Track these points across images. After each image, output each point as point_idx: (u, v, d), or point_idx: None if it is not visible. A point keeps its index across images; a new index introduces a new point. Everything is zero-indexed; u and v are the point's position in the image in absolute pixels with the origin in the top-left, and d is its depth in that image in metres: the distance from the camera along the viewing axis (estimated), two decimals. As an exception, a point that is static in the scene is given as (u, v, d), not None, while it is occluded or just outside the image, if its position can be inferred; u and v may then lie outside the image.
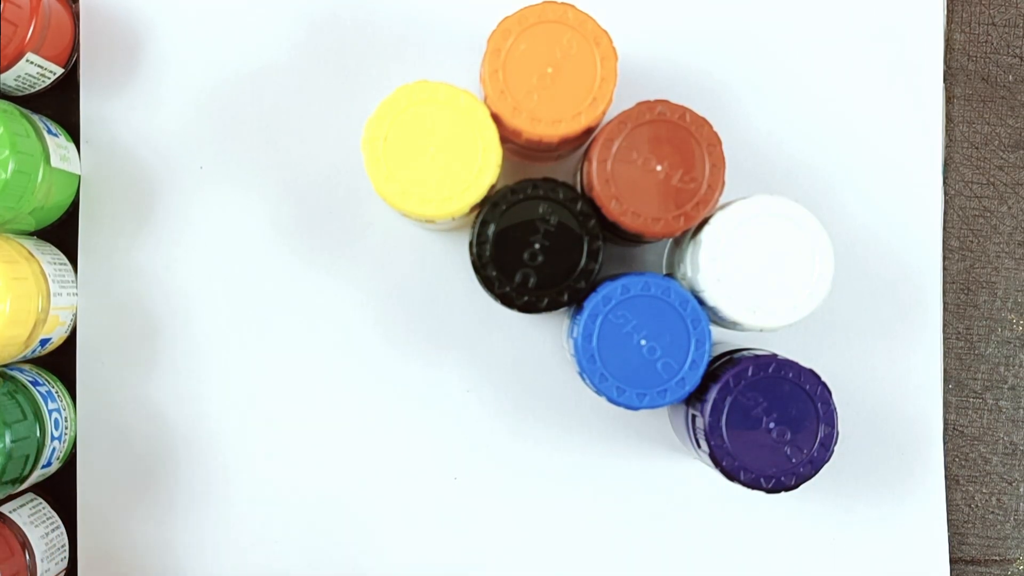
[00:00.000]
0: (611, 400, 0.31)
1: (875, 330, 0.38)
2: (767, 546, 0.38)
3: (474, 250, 0.32)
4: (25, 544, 0.34)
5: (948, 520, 0.38)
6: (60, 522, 0.37)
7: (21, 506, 0.35)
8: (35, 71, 0.36)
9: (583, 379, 0.32)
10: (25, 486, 0.35)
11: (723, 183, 0.31)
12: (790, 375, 0.31)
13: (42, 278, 0.35)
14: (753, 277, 0.31)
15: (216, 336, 0.38)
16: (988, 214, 0.39)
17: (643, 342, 0.31)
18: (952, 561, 0.38)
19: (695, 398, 0.32)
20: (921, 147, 0.38)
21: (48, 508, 0.37)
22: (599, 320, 0.31)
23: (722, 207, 0.32)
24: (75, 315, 0.38)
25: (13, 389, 0.34)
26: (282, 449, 0.38)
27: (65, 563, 0.37)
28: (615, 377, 0.31)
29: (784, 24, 0.38)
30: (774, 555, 0.38)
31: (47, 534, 0.36)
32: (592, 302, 0.31)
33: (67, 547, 0.37)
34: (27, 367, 0.37)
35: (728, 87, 0.38)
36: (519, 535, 0.38)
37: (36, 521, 0.35)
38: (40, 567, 0.34)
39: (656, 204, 0.31)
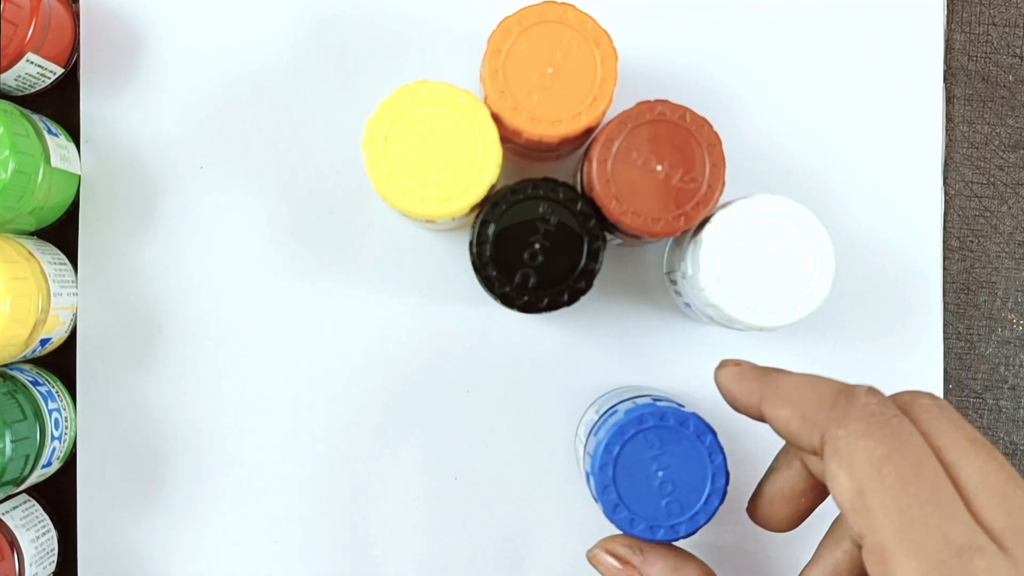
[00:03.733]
0: (623, 530, 0.30)
1: (875, 330, 0.38)
2: (772, 546, 0.38)
3: (474, 250, 0.32)
4: (14, 546, 0.34)
5: (948, 520, 0.38)
6: (51, 525, 0.37)
7: (14, 508, 0.35)
8: (35, 71, 0.36)
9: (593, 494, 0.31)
10: (25, 486, 0.35)
11: (723, 183, 0.31)
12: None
13: (42, 278, 0.35)
14: (754, 276, 0.31)
15: (216, 336, 0.38)
16: (988, 214, 0.39)
17: (660, 473, 0.30)
18: (952, 561, 0.38)
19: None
20: (921, 147, 0.38)
21: (40, 511, 0.37)
22: (616, 450, 0.30)
23: (723, 206, 0.32)
24: (75, 315, 0.38)
25: (13, 389, 0.34)
26: (281, 449, 0.38)
27: (53, 567, 0.37)
28: (629, 507, 0.30)
29: (784, 24, 0.38)
30: (778, 550, 0.38)
31: (37, 537, 0.35)
32: (612, 431, 0.30)
33: (56, 551, 0.37)
34: (27, 367, 0.37)
35: (728, 87, 0.38)
36: (519, 535, 0.38)
37: (28, 524, 0.35)
38: (28, 571, 0.34)
39: (656, 204, 0.31)
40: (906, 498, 0.23)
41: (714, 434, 0.30)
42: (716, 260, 0.31)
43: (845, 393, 0.26)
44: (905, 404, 0.26)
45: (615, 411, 0.32)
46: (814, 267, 0.31)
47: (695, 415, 0.30)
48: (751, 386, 0.28)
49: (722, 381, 0.29)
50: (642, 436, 0.30)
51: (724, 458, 0.30)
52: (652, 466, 0.30)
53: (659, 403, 0.31)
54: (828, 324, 0.38)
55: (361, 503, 0.38)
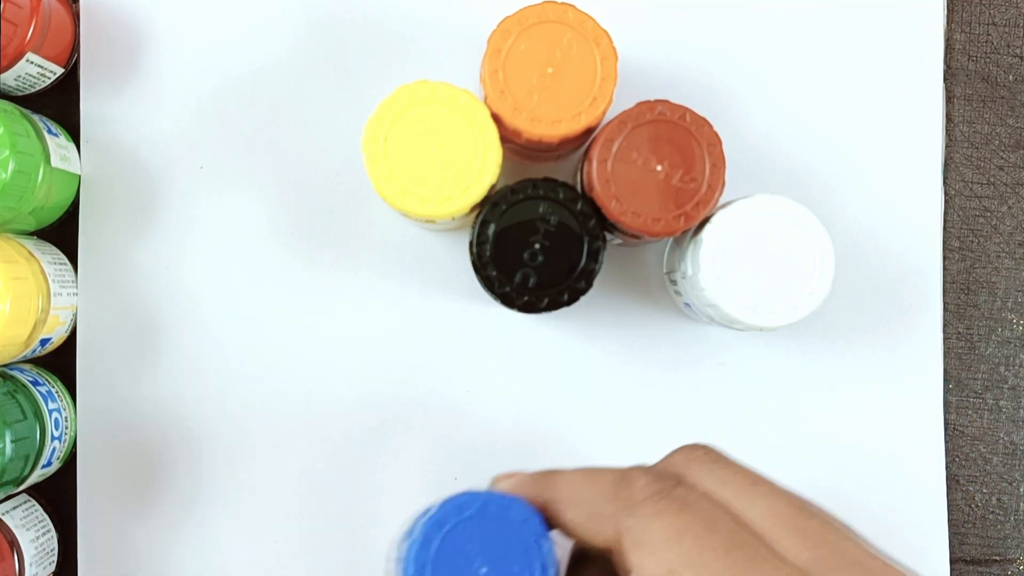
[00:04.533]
0: None
1: (875, 330, 0.38)
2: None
3: (474, 250, 0.32)
4: (14, 546, 0.34)
5: (948, 520, 0.38)
6: (51, 525, 0.37)
7: (14, 508, 0.35)
8: (35, 71, 0.36)
9: None
10: (25, 486, 0.35)
11: (723, 183, 0.31)
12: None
13: (42, 278, 0.35)
14: (754, 276, 0.31)
15: (216, 336, 0.38)
16: (988, 214, 0.39)
17: (484, 570, 0.26)
18: (952, 561, 0.38)
19: None
20: (921, 147, 0.38)
21: (41, 511, 0.36)
22: (434, 546, 0.27)
23: (723, 206, 0.32)
24: (75, 315, 0.38)
25: (13, 389, 0.34)
26: (281, 448, 0.38)
27: (53, 566, 0.37)
28: None
29: (784, 24, 0.38)
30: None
31: (37, 537, 0.35)
32: (427, 525, 0.27)
33: (56, 551, 0.37)
34: (27, 367, 0.37)
35: (728, 87, 0.38)
36: (519, 535, 0.38)
37: (28, 524, 0.35)
38: (28, 571, 0.34)
39: (656, 204, 0.31)
40: (716, 562, 0.23)
41: (540, 517, 0.27)
42: (716, 260, 0.31)
43: (622, 480, 0.25)
44: (680, 465, 0.26)
45: (427, 511, 0.28)
46: (814, 267, 0.31)
47: (519, 499, 0.27)
48: (531, 493, 0.27)
49: (501, 489, 0.28)
50: (462, 527, 0.27)
51: (551, 545, 0.27)
52: (474, 563, 0.26)
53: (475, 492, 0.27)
54: (828, 324, 0.38)
55: (361, 503, 0.38)
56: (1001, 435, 0.39)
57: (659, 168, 0.31)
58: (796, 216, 0.31)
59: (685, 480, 0.25)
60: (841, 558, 0.23)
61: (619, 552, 0.25)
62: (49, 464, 0.36)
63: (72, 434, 0.37)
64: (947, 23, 0.39)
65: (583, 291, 0.32)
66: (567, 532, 0.27)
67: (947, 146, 0.39)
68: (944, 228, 0.39)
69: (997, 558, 0.39)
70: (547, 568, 0.26)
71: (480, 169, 0.31)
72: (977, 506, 0.39)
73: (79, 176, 0.38)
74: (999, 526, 0.39)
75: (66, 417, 0.37)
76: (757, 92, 0.38)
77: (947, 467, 0.38)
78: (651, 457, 0.38)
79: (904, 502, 0.38)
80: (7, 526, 0.34)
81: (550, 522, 0.27)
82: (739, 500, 0.24)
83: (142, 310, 0.38)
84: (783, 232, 0.31)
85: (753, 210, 0.31)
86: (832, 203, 0.38)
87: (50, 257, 0.36)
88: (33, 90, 0.37)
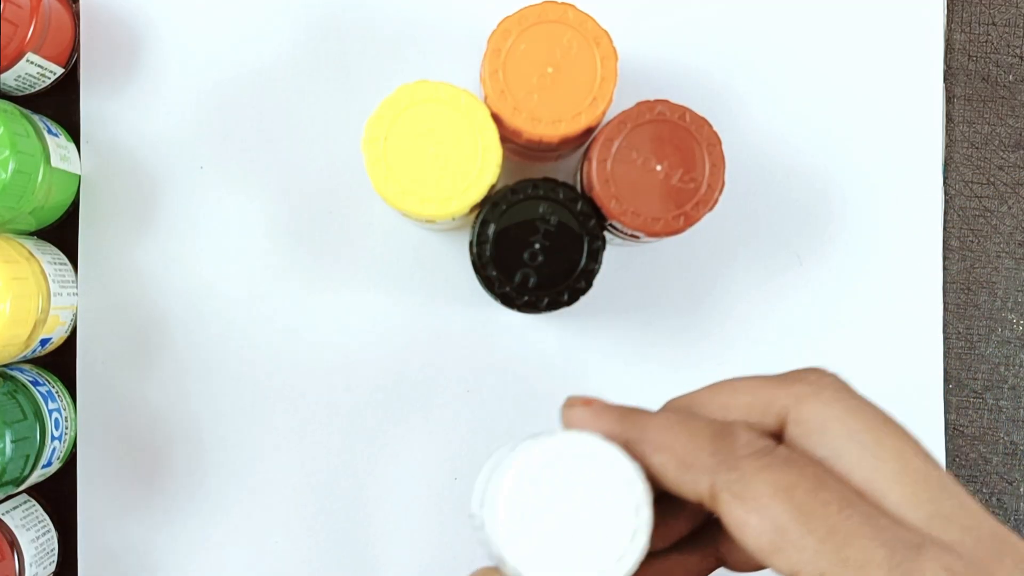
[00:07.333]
0: None
1: (875, 330, 0.38)
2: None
3: (474, 250, 0.32)
4: (14, 546, 0.34)
5: (948, 520, 0.38)
6: (51, 525, 0.37)
7: (14, 508, 0.35)
8: (35, 71, 0.36)
9: None
10: (25, 486, 0.35)
11: (723, 183, 0.31)
12: None
13: (42, 278, 0.35)
14: (555, 530, 0.24)
15: (216, 336, 0.38)
16: (988, 214, 0.39)
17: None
18: (952, 561, 0.38)
19: None
20: (921, 147, 0.38)
21: (40, 511, 0.36)
22: None
23: (532, 438, 0.25)
24: (75, 315, 0.38)
25: (13, 389, 0.34)
26: (281, 449, 0.38)
27: (53, 567, 0.37)
28: None
29: (784, 24, 0.38)
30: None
31: (37, 537, 0.35)
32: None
33: (56, 551, 0.37)
34: (27, 367, 0.37)
35: (728, 87, 0.38)
36: (519, 535, 0.38)
37: (28, 524, 0.35)
38: (28, 571, 0.34)
39: (656, 204, 0.31)
40: (829, 519, 0.22)
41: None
42: (513, 506, 0.24)
43: (723, 434, 0.24)
44: (801, 391, 0.25)
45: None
46: (627, 524, 0.24)
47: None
48: (611, 428, 0.25)
49: (574, 424, 0.25)
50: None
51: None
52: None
53: None
54: (829, 324, 0.38)
55: (361, 503, 0.38)
56: (1001, 435, 0.39)
57: (659, 168, 0.31)
58: (609, 462, 0.24)
59: (787, 425, 0.24)
60: (961, 511, 0.22)
61: (713, 506, 0.23)
62: (49, 464, 0.36)
63: (72, 434, 0.37)
64: (947, 23, 0.39)
65: (583, 291, 0.32)
66: (651, 475, 0.25)
67: (947, 146, 0.39)
68: (944, 228, 0.39)
69: (997, 558, 0.39)
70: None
71: (480, 169, 0.31)
72: (977, 506, 0.39)
73: (79, 176, 0.38)
74: (999, 526, 0.39)
75: (66, 417, 0.37)
76: (757, 92, 0.38)
77: (947, 467, 0.38)
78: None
79: (904, 502, 0.38)
80: (7, 526, 0.34)
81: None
82: (843, 458, 0.23)
83: (142, 310, 0.38)
84: (593, 480, 0.24)
85: (562, 450, 0.25)
86: (832, 203, 0.38)
87: (50, 257, 0.36)
88: (33, 90, 0.37)
